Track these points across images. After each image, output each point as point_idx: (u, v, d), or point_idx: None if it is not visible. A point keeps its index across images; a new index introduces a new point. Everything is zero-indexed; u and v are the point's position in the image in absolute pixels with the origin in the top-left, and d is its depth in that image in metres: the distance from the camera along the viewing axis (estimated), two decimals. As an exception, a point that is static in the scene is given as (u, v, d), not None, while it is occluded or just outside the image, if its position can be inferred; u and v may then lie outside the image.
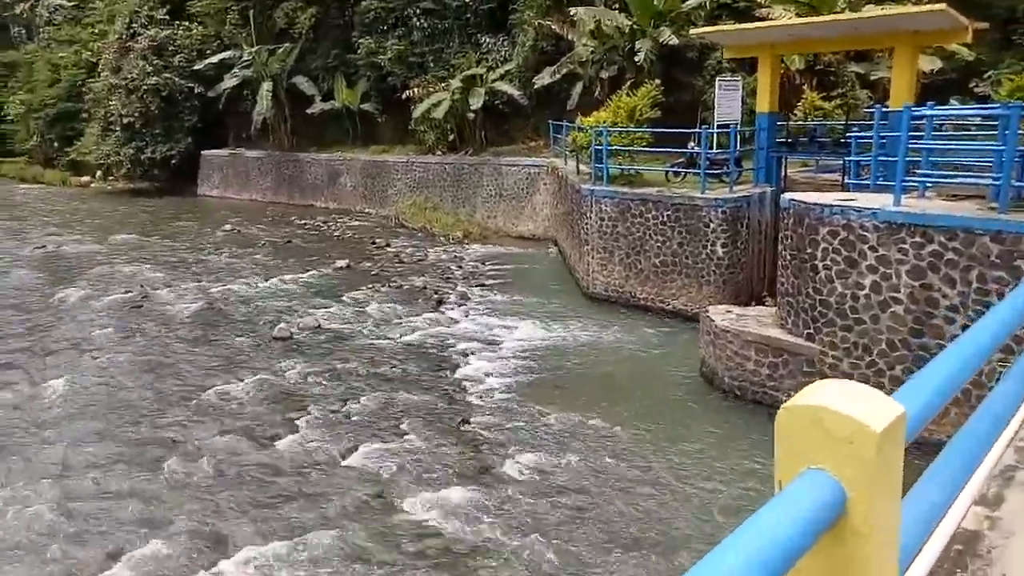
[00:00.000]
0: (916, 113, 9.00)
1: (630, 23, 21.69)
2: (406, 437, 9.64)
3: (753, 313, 11.04)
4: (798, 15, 17.14)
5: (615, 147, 15.55)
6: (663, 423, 9.92)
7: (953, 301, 8.17)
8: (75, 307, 15.91)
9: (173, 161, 34.75)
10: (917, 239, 8.36)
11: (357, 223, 26.65)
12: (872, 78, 21.18)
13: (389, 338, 13.59)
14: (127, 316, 15.16)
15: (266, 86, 30.35)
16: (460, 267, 19.34)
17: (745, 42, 14.95)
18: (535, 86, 24.16)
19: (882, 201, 9.03)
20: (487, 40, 26.96)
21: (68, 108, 40.23)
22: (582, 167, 17.64)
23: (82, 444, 9.34)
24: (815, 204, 9.38)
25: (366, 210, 28.92)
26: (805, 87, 20.92)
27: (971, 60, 19.21)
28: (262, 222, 27.35)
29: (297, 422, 10.11)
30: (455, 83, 24.69)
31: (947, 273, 8.19)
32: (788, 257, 10.04)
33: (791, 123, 17.24)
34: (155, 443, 9.48)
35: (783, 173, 15.09)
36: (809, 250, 9.49)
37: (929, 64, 19.10)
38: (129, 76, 33.50)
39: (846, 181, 12.14)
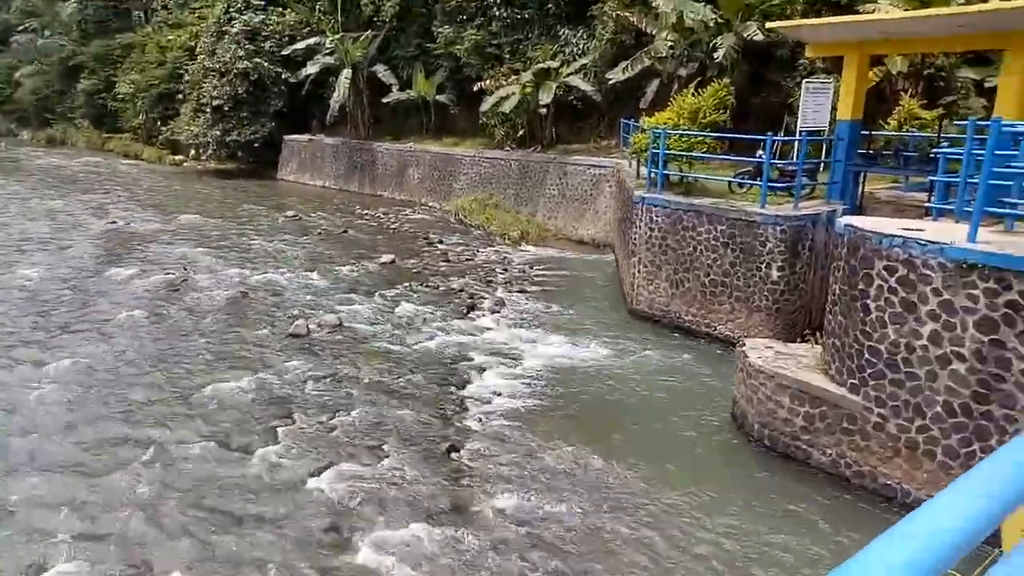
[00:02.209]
0: (1008, 128, 7.32)
1: (715, 16, 20.04)
2: (384, 460, 8.80)
3: (795, 352, 9.54)
4: (905, 10, 15.15)
5: (673, 151, 14.15)
6: (676, 474, 8.64)
7: (1031, 366, 6.53)
8: (116, 286, 16.02)
9: (256, 144, 35.48)
10: (991, 284, 6.75)
11: (418, 216, 26.17)
12: (988, 85, 18.68)
13: (406, 344, 12.83)
14: (160, 300, 15.09)
15: (345, 73, 30.35)
16: (506, 270, 18.39)
17: (828, 38, 13.21)
18: (609, 82, 22.86)
19: (958, 234, 7.42)
20: (566, 32, 25.82)
21: (170, 89, 41.88)
22: (643, 171, 16.31)
23: (51, 437, 9.03)
24: (872, 232, 7.86)
25: (430, 203, 28.43)
26: (907, 93, 18.71)
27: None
28: (325, 209, 27.31)
29: (279, 431, 9.47)
30: (526, 76, 23.71)
31: (1026, 330, 6.56)
32: (838, 292, 8.53)
33: (876, 133, 15.28)
34: (127, 443, 9.05)
35: (861, 190, 13.27)
36: (861, 286, 7.97)
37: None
38: (222, 59, 34.40)
39: (928, 204, 10.36)
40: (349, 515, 7.69)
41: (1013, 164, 7.15)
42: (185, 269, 17.35)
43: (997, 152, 6.95)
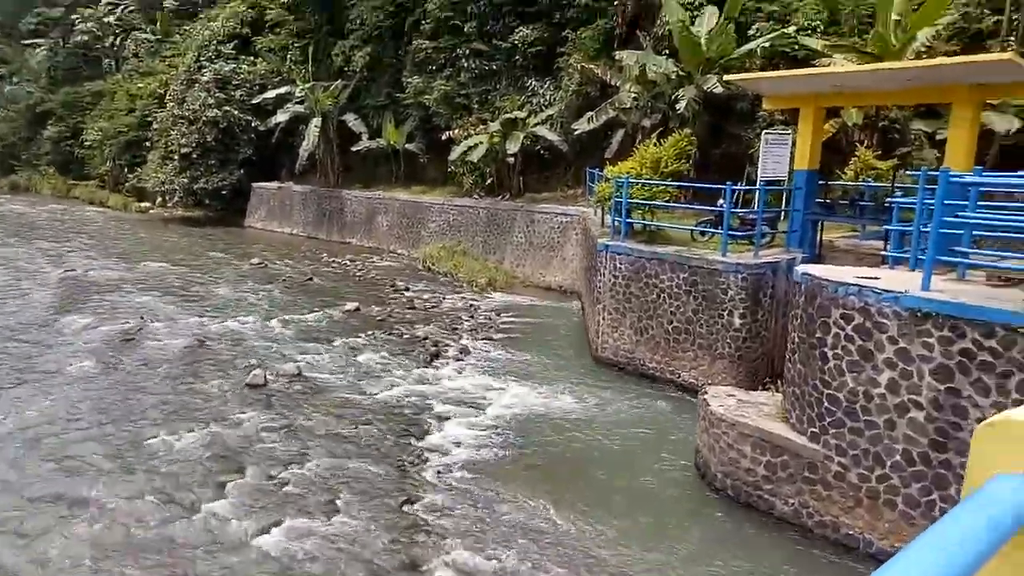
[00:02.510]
0: (955, 179, 7.45)
1: (677, 69, 20.53)
2: (336, 516, 8.46)
3: (757, 400, 9.46)
4: (857, 65, 15.64)
5: (636, 200, 14.26)
6: (638, 527, 8.41)
7: (985, 413, 6.50)
8: (68, 336, 15.54)
9: (224, 192, 35.27)
10: (945, 333, 6.77)
11: (386, 264, 26.01)
12: (939, 137, 19.26)
13: (366, 393, 12.53)
14: (113, 350, 14.64)
15: (315, 122, 30.46)
16: (472, 317, 18.23)
17: (784, 91, 13.55)
18: (575, 132, 23.19)
19: (912, 282, 7.46)
20: (533, 83, 26.26)
21: (138, 136, 41.69)
22: (607, 219, 16.41)
23: (-20, 495, 8.55)
24: (828, 281, 7.88)
25: (398, 251, 28.33)
26: (863, 144, 19.21)
27: (1060, 118, 17.10)
28: (292, 257, 27.05)
29: (227, 486, 9.08)
30: (494, 126, 23.97)
31: (980, 378, 6.55)
32: (796, 340, 8.51)
33: (832, 183, 15.59)
34: (63, 501, 8.59)
35: (819, 238, 13.45)
36: (819, 334, 7.96)
37: (1005, 124, 17.15)
38: (192, 107, 34.39)
39: (884, 253, 10.50)
40: (292, 575, 7.32)
41: (961, 214, 7.25)
42: (142, 318, 16.92)
43: (946, 202, 7.04)
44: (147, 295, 19.63)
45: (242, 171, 35.48)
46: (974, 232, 7.55)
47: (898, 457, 7.17)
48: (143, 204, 41.79)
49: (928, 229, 8.30)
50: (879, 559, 7.44)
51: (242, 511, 8.51)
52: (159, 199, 39.64)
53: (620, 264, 13.81)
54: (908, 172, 13.32)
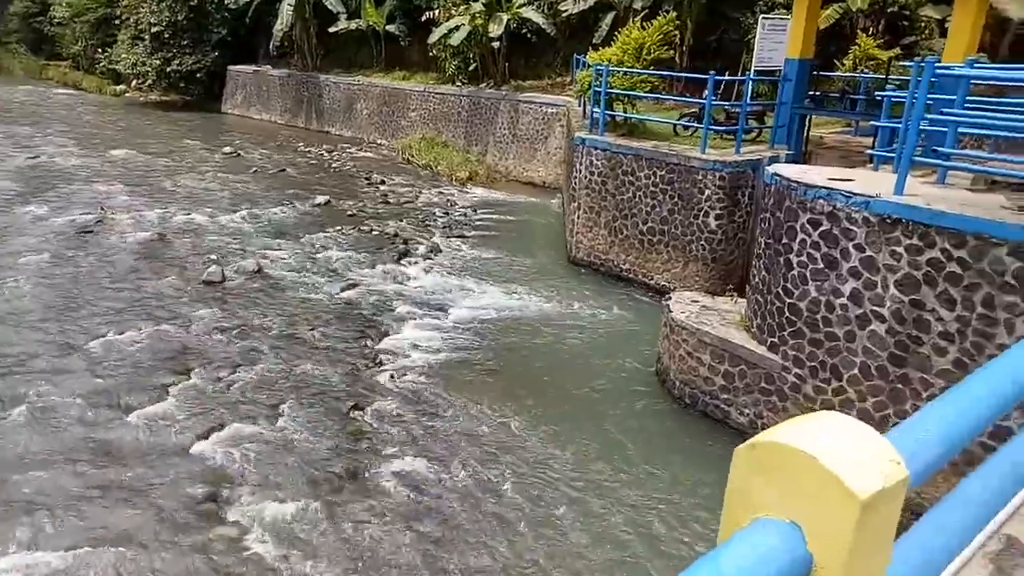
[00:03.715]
0: (943, 71, 6.70)
1: (672, -56, 18.94)
2: (280, 421, 8.24)
3: (720, 306, 9.07)
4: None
5: (615, 90, 13.35)
6: (589, 437, 8.20)
7: (948, 327, 6.10)
8: (26, 226, 14.98)
9: (199, 75, 33.63)
10: (915, 241, 6.25)
11: (364, 155, 25.07)
12: (950, 24, 17.98)
13: (327, 292, 12.14)
14: (71, 241, 14.12)
15: (288, 0, 28.56)
16: (447, 213, 17.62)
17: (778, -30, 12.37)
18: (564, 14, 21.73)
19: (890, 185, 6.86)
20: (520, -41, 24.34)
21: (108, 13, 39.36)
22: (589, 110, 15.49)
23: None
24: (797, 183, 7.28)
25: (379, 141, 27.27)
26: (867, 31, 17.97)
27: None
28: (267, 146, 26.04)
29: (170, 388, 8.83)
30: (477, 7, 22.39)
31: (946, 290, 6.09)
32: (763, 245, 8.01)
33: (828, 74, 14.60)
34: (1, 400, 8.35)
35: (806, 134, 12.66)
36: (785, 240, 7.45)
37: (1020, 10, 15.91)
38: (159, -18, 32.21)
39: (870, 151, 9.80)
40: (230, 483, 7.15)
41: (946, 110, 6.56)
42: (102, 209, 16.30)
43: (932, 97, 6.35)
44: (112, 184, 18.91)
45: (217, 53, 33.67)
46: (960, 131, 6.87)
47: (855, 371, 6.83)
48: (118, 87, 40.03)
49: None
50: (830, 471, 7.25)
51: (183, 415, 8.28)
52: (133, 81, 37.93)
53: (596, 160, 13.09)
54: (903, 63, 12.35)
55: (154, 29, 32.57)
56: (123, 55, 35.62)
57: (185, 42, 33.01)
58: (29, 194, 17.59)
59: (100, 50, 40.83)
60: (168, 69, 33.16)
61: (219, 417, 8.24)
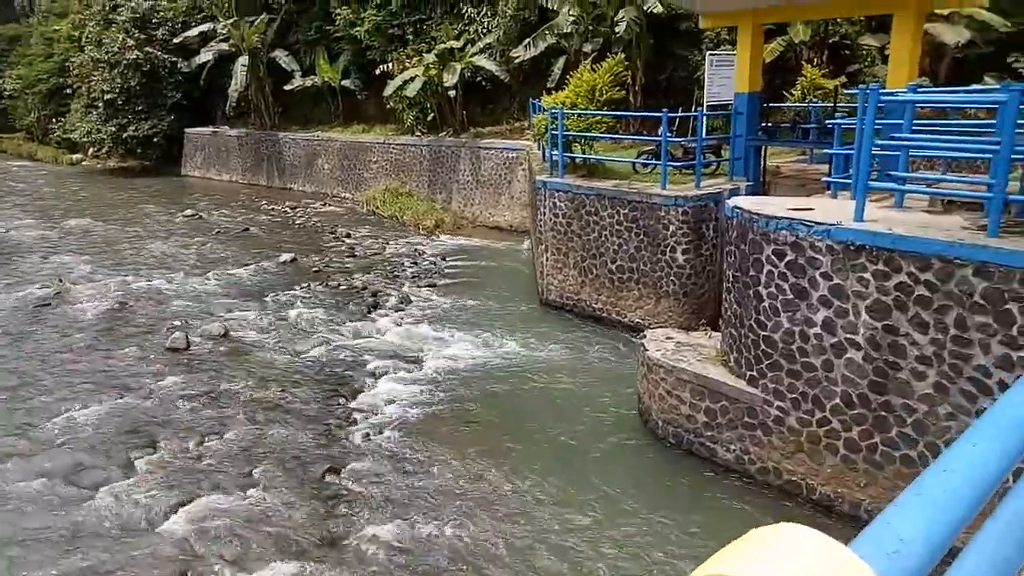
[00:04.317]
0: (885, 98, 6.87)
1: (616, -11, 19.45)
2: (251, 491, 7.93)
3: (697, 342, 9.05)
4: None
5: (572, 132, 13.50)
6: (576, 483, 8.03)
7: (925, 351, 6.13)
8: (-21, 304, 14.51)
9: (156, 139, 33.39)
10: (880, 267, 6.31)
11: (328, 209, 24.96)
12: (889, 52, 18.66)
13: (296, 352, 11.88)
14: (28, 317, 13.70)
15: (241, 60, 28.66)
16: (415, 263, 17.52)
17: (721, 7, 12.73)
18: (515, 60, 22.09)
19: (849, 212, 6.96)
20: (470, 10, 24.82)
21: (60, 83, 39.08)
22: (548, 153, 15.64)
23: None
24: (759, 215, 7.35)
25: (342, 195, 27.21)
26: (811, 62, 18.55)
27: (1010, 30, 16.50)
28: (229, 206, 25.80)
29: (137, 463, 8.49)
30: (429, 58, 22.68)
31: (917, 314, 6.14)
32: (731, 278, 8.03)
33: (778, 105, 14.97)
34: (-47, 491, 7.92)
35: (763, 165, 12.91)
36: (752, 272, 7.48)
37: (954, 36, 16.58)
38: (111, 50, 32.10)
39: (826, 179, 9.99)
40: (204, 559, 6.83)
41: (895, 135, 6.71)
42: (60, 281, 15.88)
43: (880, 122, 6.48)
44: (70, 255, 18.50)
45: (172, 117, 33.50)
46: (911, 154, 7.02)
47: (837, 400, 6.82)
48: (74, 156, 39.56)
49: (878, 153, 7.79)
50: (822, 504, 7.19)
51: (152, 490, 7.93)
52: (90, 149, 37.52)
53: (559, 201, 13.16)
54: (847, 91, 12.72)
55: (107, 96, 32.35)
56: (77, 124, 35.28)
57: (140, 107, 32.83)
58: (-18, 270, 17.10)
59: (54, 120, 40.42)
60: (124, 135, 32.87)
61: (189, 490, 7.91)
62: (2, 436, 9.14)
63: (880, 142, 6.62)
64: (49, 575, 6.61)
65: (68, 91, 37.35)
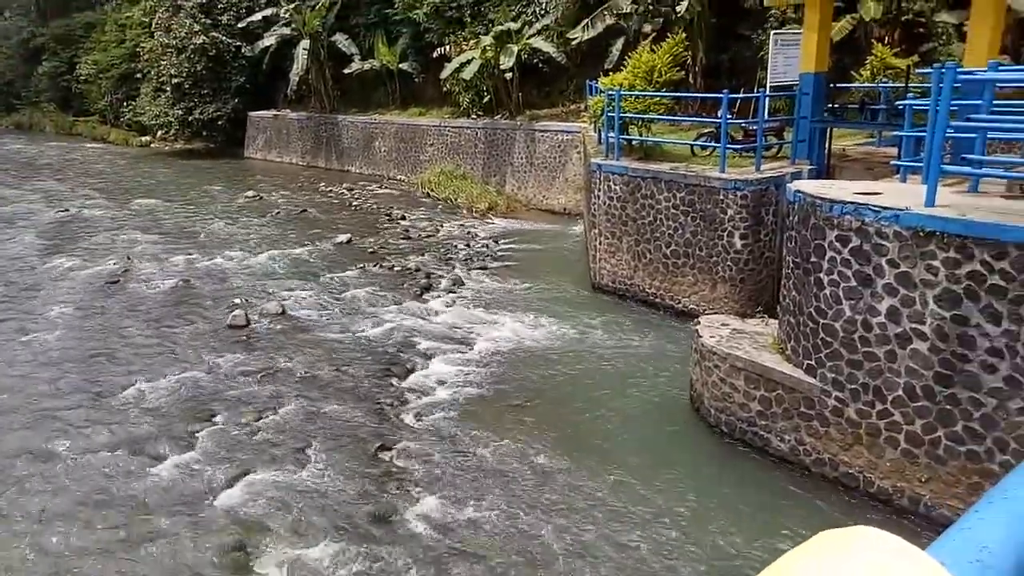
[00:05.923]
0: (964, 76, 6.50)
1: (678, -34, 18.95)
2: (306, 466, 8.11)
3: (753, 329, 8.82)
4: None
5: (628, 114, 13.27)
6: (624, 469, 7.95)
7: (996, 343, 5.82)
8: (53, 279, 15.20)
9: (220, 122, 34.30)
10: (952, 254, 6.00)
11: (384, 191, 25.23)
12: (967, 28, 17.70)
13: (350, 331, 12.08)
14: (97, 292, 14.28)
15: (303, 44, 29.10)
16: (469, 246, 17.57)
17: (788, -15, 12.28)
18: (572, 42, 21.80)
19: (918, 197, 6.63)
20: (529, -8, 24.59)
21: (131, 68, 40.44)
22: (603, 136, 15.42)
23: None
24: (823, 199, 7.08)
25: (398, 177, 27.47)
26: (882, 41, 17.75)
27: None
28: (288, 188, 26.34)
29: (197, 435, 8.76)
30: (486, 40, 22.59)
31: (990, 304, 5.82)
32: (791, 265, 7.78)
33: (846, 85, 14.38)
34: (25, 455, 8.33)
35: (828, 148, 12.44)
36: (814, 259, 7.22)
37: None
38: (178, 35, 33.03)
39: (895, 162, 9.55)
40: (258, 530, 7.02)
41: (973, 116, 6.34)
42: (128, 259, 16.49)
43: (956, 103, 6.14)
44: (138, 234, 19.18)
45: (237, 100, 34.35)
46: (989, 137, 6.64)
47: (900, 391, 6.54)
48: (144, 138, 40.97)
49: (952, 135, 7.40)
50: (880, 499, 6.95)
51: (209, 462, 8.19)
52: (158, 132, 38.81)
53: (615, 184, 12.97)
54: (922, 71, 12.12)
55: (175, 80, 33.33)
56: (146, 107, 36.51)
57: (205, 91, 33.74)
58: (58, 247, 17.90)
59: (125, 104, 41.92)
60: (190, 118, 33.88)
61: (245, 463, 8.14)
62: (74, 408, 9.56)
63: (955, 123, 6.27)
64: (115, 539, 6.90)
65: (139, 76, 38.63)
